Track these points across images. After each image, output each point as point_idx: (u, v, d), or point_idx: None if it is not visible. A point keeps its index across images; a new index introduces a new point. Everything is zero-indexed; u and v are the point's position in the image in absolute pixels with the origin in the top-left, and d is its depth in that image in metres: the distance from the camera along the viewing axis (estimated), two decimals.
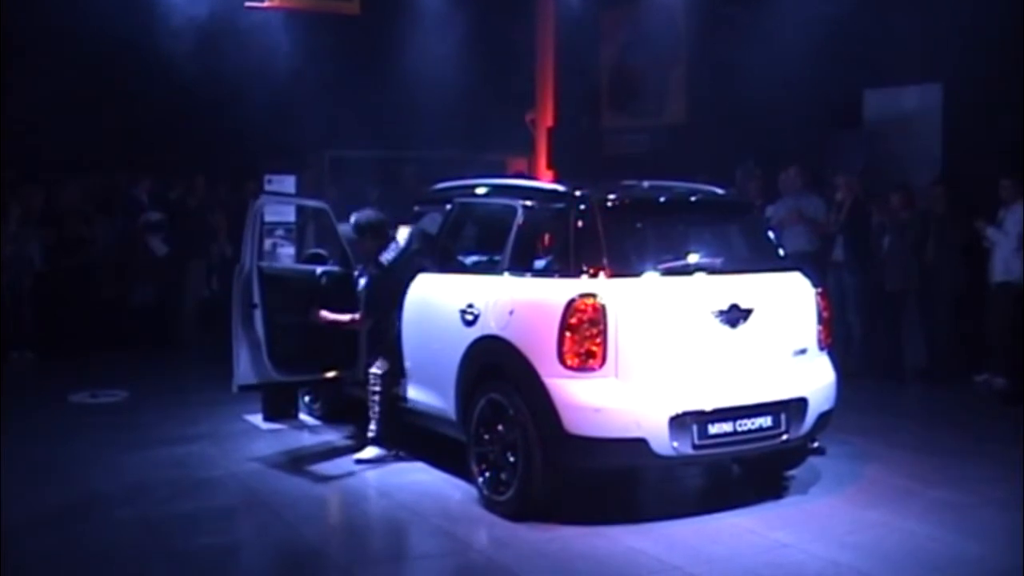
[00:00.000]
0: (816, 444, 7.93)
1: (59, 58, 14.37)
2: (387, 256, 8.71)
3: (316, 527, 7.40)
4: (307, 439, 9.47)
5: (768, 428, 7.27)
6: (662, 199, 8.08)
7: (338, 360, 9.02)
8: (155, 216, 14.48)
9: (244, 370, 8.84)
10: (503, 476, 7.31)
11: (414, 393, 8.51)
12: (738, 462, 8.24)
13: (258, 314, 8.77)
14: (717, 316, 7.16)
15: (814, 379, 7.61)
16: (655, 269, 7.24)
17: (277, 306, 8.83)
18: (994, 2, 11.50)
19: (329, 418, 9.88)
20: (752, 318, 7.25)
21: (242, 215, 9.48)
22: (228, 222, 14.52)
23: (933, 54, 12.50)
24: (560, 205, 7.59)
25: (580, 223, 7.28)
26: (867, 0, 12.89)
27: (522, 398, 7.12)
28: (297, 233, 12.88)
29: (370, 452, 8.54)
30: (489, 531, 7.12)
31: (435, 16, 16.37)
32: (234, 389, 8.90)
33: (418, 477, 8.33)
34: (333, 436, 9.39)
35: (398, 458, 8.55)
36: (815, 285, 7.84)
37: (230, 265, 14.22)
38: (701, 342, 7.14)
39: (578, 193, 7.56)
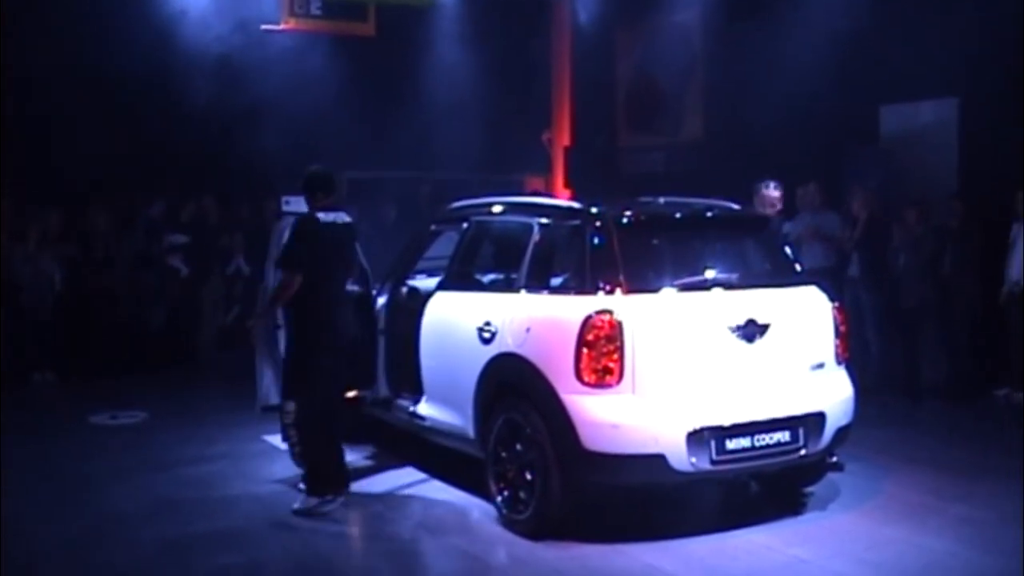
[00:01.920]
0: (834, 459, 7.92)
1: (78, 81, 14.44)
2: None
3: (335, 547, 7.41)
4: None
5: (786, 443, 7.25)
6: (678, 215, 8.07)
7: (357, 380, 9.02)
8: (180, 239, 14.60)
9: (267, 390, 8.86)
10: (521, 494, 7.32)
11: (432, 411, 8.52)
12: (756, 478, 8.22)
13: (281, 335, 8.78)
14: (734, 331, 7.15)
15: (832, 394, 7.60)
16: (672, 285, 7.25)
17: None
18: (1009, 16, 11.50)
19: (348, 438, 9.87)
20: (769, 333, 7.25)
21: (262, 236, 9.51)
22: (247, 243, 14.71)
23: (948, 69, 12.49)
24: (576, 222, 7.60)
25: (596, 240, 7.30)
26: (882, 16, 12.90)
27: (539, 415, 7.13)
28: None
29: (302, 502, 7.98)
30: (508, 549, 7.13)
31: (451, 37, 16.42)
32: (257, 409, 8.93)
33: (436, 496, 8.35)
34: (352, 456, 9.34)
35: (339, 504, 7.99)
36: (831, 299, 7.84)
37: (249, 286, 14.36)
38: (718, 357, 7.13)
39: (594, 210, 7.57)
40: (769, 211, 9.69)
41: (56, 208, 13.77)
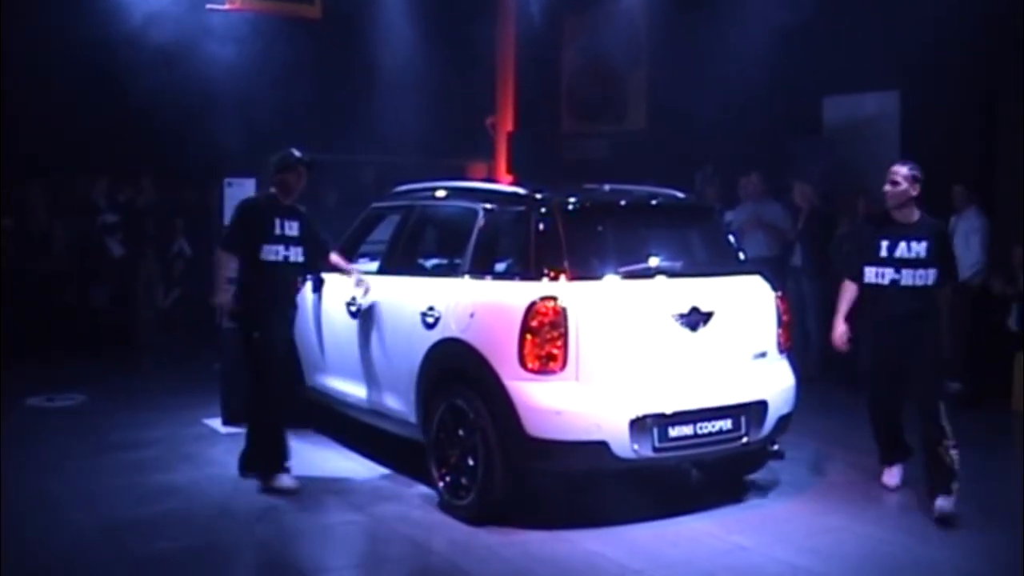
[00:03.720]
0: (776, 448, 7.97)
1: (18, 60, 14.25)
2: None
3: (274, 532, 7.33)
4: None
5: (728, 431, 7.30)
6: (623, 202, 8.08)
7: None
8: (111, 218, 14.46)
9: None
10: (463, 480, 7.30)
11: (374, 396, 8.49)
12: (698, 465, 8.26)
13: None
14: (677, 319, 7.17)
15: (774, 382, 7.65)
16: (616, 272, 7.25)
17: None
18: (950, 11, 11.60)
19: (288, 422, 9.81)
20: (712, 321, 7.28)
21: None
22: (189, 225, 14.63)
23: (891, 62, 12.59)
24: (521, 208, 7.59)
25: (541, 226, 7.29)
26: (826, 9, 12.97)
27: (483, 401, 7.11)
28: None
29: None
30: (449, 535, 7.10)
31: (396, 20, 16.35)
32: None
33: (377, 481, 8.33)
34: (293, 441, 9.33)
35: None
36: (774, 289, 7.88)
37: (191, 267, 14.24)
38: (661, 345, 7.15)
39: (539, 196, 7.56)
40: (899, 187, 7.67)
41: None
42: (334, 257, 8.53)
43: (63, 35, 13.78)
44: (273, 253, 8.05)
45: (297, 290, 8.55)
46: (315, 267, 8.56)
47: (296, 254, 8.12)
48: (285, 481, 8.04)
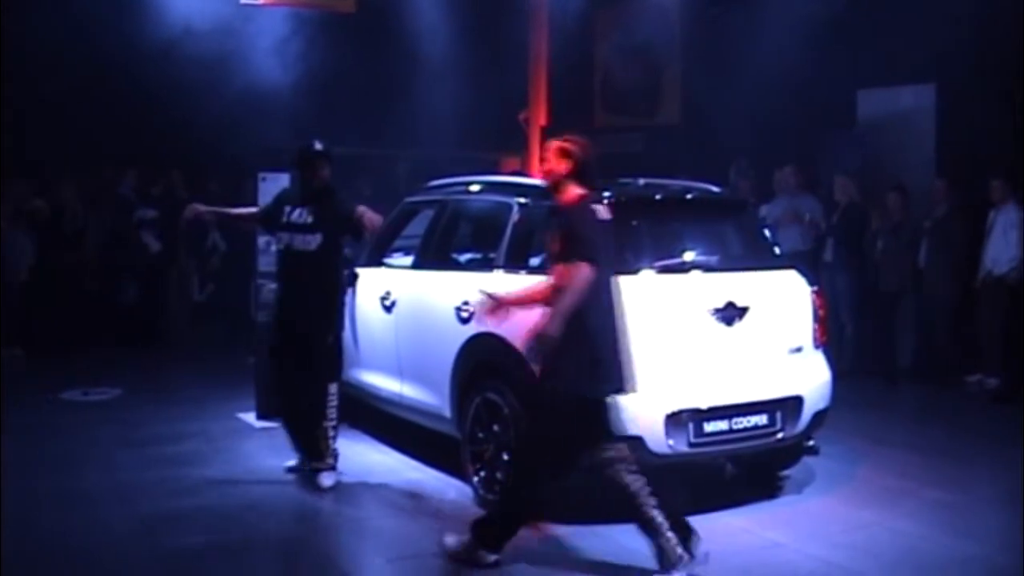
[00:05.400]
0: (811, 443, 7.92)
1: (48, 55, 14.32)
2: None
3: (308, 526, 7.38)
4: None
5: (763, 426, 7.26)
6: (657, 197, 8.04)
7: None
8: (150, 213, 14.52)
9: None
10: (498, 475, 7.29)
11: (408, 391, 8.50)
12: (733, 461, 8.23)
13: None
14: (713, 314, 7.14)
15: (809, 377, 7.60)
16: (651, 267, 7.22)
17: None
18: (987, 3, 11.52)
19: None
20: (748, 316, 7.24)
21: None
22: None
23: (926, 55, 12.50)
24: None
25: None
26: (861, 1, 12.90)
27: (517, 395, 7.10)
28: None
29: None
30: None
31: (429, 14, 16.34)
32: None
33: (412, 476, 8.33)
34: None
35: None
36: (810, 283, 7.83)
37: (226, 262, 14.26)
38: (697, 340, 7.11)
39: None
40: (545, 164, 6.54)
41: (26, 181, 13.65)
42: (366, 216, 8.03)
43: (89, 31, 13.83)
44: (278, 240, 8.25)
45: (324, 278, 8.16)
46: (358, 237, 8.40)
47: (304, 242, 7.96)
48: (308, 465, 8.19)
